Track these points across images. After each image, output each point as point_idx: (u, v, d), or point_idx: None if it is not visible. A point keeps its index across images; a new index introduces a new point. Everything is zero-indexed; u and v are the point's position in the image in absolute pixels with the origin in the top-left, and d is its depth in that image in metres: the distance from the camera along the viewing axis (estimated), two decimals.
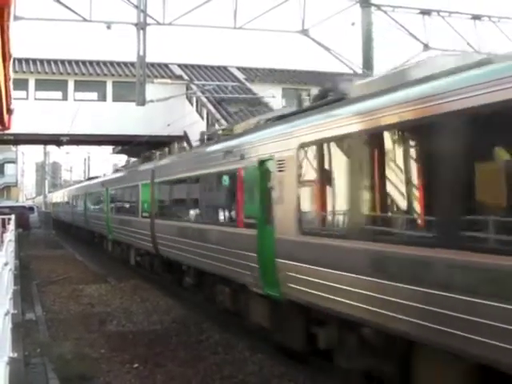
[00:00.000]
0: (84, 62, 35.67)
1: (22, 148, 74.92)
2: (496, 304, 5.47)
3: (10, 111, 16.18)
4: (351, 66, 17.55)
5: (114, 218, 25.84)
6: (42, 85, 33.58)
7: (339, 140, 8.22)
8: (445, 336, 6.11)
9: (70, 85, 33.87)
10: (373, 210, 7.52)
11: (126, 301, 16.35)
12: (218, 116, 29.59)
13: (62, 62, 35.25)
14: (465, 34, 17.95)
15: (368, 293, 7.32)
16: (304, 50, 45.12)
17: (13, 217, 22.89)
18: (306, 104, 11.12)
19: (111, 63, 35.99)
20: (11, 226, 19.61)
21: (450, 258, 6.04)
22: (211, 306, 14.21)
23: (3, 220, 23.45)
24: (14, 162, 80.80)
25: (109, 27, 16.40)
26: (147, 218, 19.25)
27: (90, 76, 34.21)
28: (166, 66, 36.71)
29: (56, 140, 35.40)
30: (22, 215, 38.43)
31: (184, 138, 32.13)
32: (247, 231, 11.09)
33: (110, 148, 50.07)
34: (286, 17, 18.70)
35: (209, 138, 16.76)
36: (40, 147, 70.89)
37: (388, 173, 7.28)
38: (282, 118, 10.82)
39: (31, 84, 33.20)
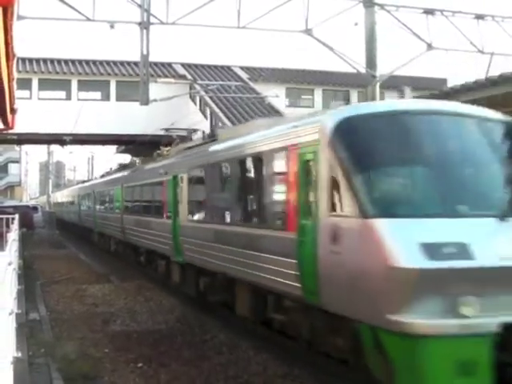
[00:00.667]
0: (87, 62, 35.70)
1: (25, 148, 75.33)
2: (253, 252, 10.69)
3: (13, 111, 16.21)
4: (355, 65, 17.48)
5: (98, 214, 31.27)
6: (45, 84, 33.63)
7: (208, 165, 13.90)
8: (246, 274, 11.06)
9: (74, 84, 33.90)
10: (217, 207, 13.39)
11: (129, 300, 16.35)
12: (221, 115, 29.61)
13: (66, 61, 35.28)
14: (468, 34, 17.87)
15: (217, 253, 12.55)
16: (308, 50, 44.97)
17: (16, 216, 22.86)
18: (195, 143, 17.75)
19: (114, 63, 36.02)
20: (15, 226, 19.60)
21: (240, 230, 11.53)
22: (211, 306, 14.28)
23: (7, 219, 23.46)
24: (17, 161, 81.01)
25: (112, 26, 16.33)
26: (118, 214, 25.33)
27: (93, 75, 34.26)
28: (170, 65, 36.75)
29: (59, 139, 35.46)
30: (26, 215, 38.35)
31: (187, 137, 32.11)
32: (166, 221, 16.96)
33: (113, 148, 50.16)
34: (289, 16, 18.67)
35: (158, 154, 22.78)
36: (43, 147, 71.22)
37: (227, 185, 12.98)
38: (188, 149, 16.85)
39: (35, 84, 33.24)
